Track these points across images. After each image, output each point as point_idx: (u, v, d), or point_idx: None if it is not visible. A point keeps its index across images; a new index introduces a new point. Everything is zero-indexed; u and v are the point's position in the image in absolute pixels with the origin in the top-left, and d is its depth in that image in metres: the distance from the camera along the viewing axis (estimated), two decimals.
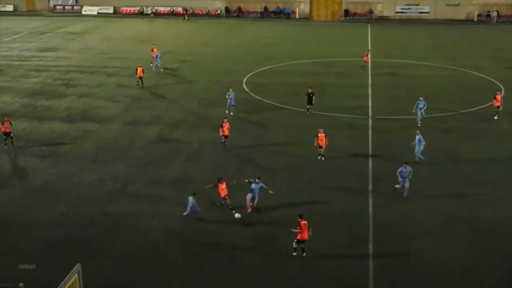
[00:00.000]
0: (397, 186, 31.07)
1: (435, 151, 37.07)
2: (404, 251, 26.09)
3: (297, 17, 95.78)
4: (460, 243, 26.74)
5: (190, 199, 28.50)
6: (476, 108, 45.88)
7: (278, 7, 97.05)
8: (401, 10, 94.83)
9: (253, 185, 29.31)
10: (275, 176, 33.44)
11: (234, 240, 27.11)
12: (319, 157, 35.79)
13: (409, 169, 30.74)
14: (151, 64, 59.16)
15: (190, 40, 76.62)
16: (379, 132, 40.53)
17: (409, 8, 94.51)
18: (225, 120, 37.82)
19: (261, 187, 29.38)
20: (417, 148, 35.02)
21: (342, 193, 31.46)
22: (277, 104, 46.90)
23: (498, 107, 42.59)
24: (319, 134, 35.59)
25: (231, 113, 43.38)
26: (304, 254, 25.48)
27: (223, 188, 29.03)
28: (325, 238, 26.89)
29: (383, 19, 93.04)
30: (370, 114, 44.61)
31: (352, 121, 42.98)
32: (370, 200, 30.70)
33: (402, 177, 30.78)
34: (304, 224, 25.23)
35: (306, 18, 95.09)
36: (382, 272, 24.49)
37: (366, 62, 58.98)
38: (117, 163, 35.89)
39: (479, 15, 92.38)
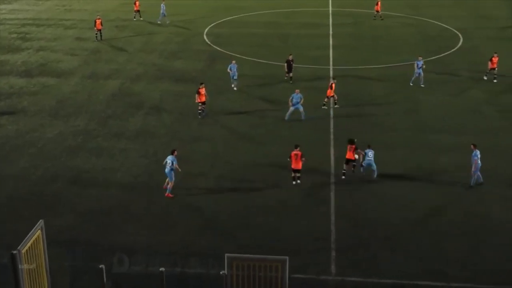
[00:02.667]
0: (474, 180, 27.42)
1: (396, 101, 37.66)
2: (364, 196, 26.80)
3: None
4: (419, 190, 27.40)
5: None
6: (436, 57, 46.44)
7: None
8: None
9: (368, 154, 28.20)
10: (237, 131, 33.57)
11: (198, 191, 27.36)
12: (323, 106, 36.54)
13: (474, 152, 27.04)
14: (134, 18, 58.55)
15: None
16: (340, 82, 40.77)
17: None
18: (201, 86, 34.89)
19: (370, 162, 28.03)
20: (293, 108, 34.45)
21: (306, 147, 31.71)
22: (238, 55, 46.62)
23: (494, 69, 40.81)
24: (333, 85, 36.40)
25: (235, 88, 39.61)
26: (299, 181, 27.40)
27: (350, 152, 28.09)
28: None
29: None
30: (331, 64, 44.81)
31: (313, 72, 43.12)
32: (332, 151, 31.13)
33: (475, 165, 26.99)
34: (295, 154, 26.90)
35: None
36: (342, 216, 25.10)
37: (378, 11, 58.67)
38: (77, 118, 35.51)
39: None
